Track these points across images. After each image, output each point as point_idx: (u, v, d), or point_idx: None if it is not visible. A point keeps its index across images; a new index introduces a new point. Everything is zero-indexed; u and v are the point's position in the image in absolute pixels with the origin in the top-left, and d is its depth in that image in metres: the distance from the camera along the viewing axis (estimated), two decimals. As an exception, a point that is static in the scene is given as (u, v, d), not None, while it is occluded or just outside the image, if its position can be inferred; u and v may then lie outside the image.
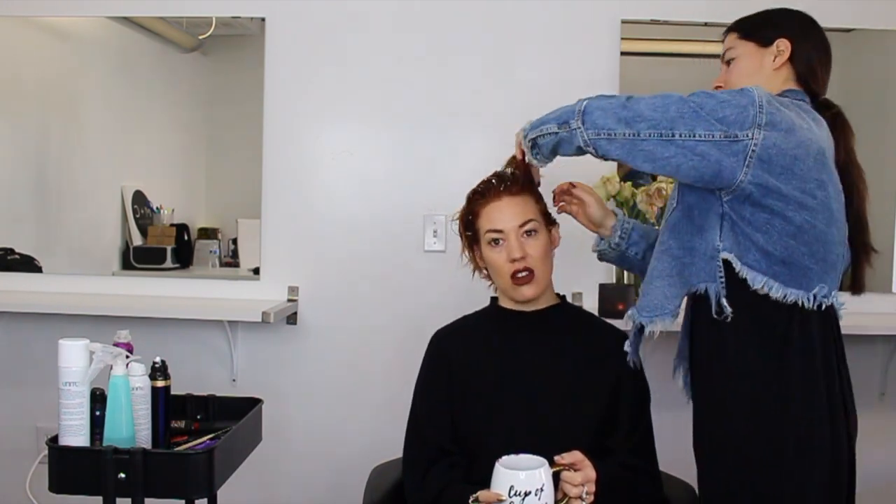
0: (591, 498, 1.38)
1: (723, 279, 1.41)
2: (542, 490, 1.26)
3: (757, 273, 1.40)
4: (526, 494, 1.25)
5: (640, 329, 1.50)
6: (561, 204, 1.72)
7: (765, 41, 1.56)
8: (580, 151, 1.46)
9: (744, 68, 1.56)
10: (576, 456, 1.37)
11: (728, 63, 1.59)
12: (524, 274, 1.56)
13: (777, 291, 1.39)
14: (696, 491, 1.65)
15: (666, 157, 1.37)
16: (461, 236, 1.67)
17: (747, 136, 1.35)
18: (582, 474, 1.36)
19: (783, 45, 1.55)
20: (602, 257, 1.76)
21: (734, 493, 1.42)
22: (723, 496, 1.45)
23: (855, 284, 1.60)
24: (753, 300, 1.40)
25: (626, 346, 1.55)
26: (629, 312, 1.53)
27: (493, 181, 1.62)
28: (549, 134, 1.49)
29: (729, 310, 1.40)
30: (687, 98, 1.38)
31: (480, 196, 1.60)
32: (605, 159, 1.45)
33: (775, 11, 1.62)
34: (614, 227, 1.70)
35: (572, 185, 1.71)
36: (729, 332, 1.42)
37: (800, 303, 1.39)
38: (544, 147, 1.51)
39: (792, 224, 1.38)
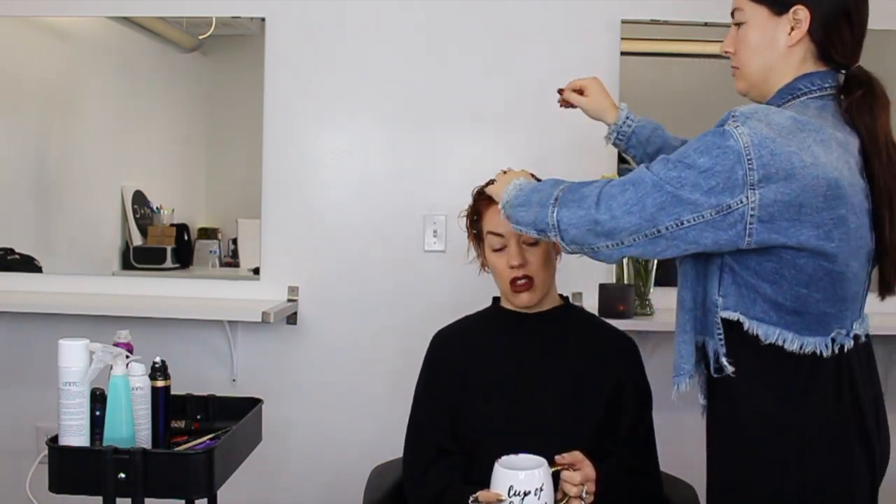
0: (591, 498, 1.38)
1: (721, 335, 1.27)
2: (541, 490, 1.26)
3: (768, 326, 1.25)
4: (525, 494, 1.25)
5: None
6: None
7: (779, 6, 1.31)
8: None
9: (754, 41, 1.33)
10: (576, 456, 1.37)
11: (738, 25, 1.35)
12: (523, 281, 1.56)
13: (793, 343, 1.25)
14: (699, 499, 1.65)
15: (658, 252, 1.23)
16: (468, 233, 1.67)
17: (740, 202, 1.17)
18: (581, 474, 1.36)
19: (801, 14, 1.31)
20: (616, 143, 1.70)
21: None
22: None
23: (883, 288, 1.42)
24: (763, 351, 1.25)
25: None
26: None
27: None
28: (526, 233, 1.36)
29: (730, 369, 1.27)
30: (662, 179, 1.20)
31: (486, 198, 1.60)
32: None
33: None
34: (611, 129, 1.66)
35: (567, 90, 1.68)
36: (740, 386, 1.28)
37: (818, 352, 1.25)
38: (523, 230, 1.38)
39: (803, 273, 1.22)
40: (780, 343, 1.24)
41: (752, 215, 1.17)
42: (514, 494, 1.25)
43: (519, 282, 1.56)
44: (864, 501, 1.28)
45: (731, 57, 1.38)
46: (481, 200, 1.61)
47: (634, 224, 1.21)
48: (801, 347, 1.25)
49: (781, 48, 1.32)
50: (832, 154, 1.22)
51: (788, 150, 1.18)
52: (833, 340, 1.26)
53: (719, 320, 1.27)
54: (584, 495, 1.36)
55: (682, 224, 1.20)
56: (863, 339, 1.34)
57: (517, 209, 1.36)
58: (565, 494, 1.36)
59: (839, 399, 1.26)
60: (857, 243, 1.25)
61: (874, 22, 2.56)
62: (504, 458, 1.31)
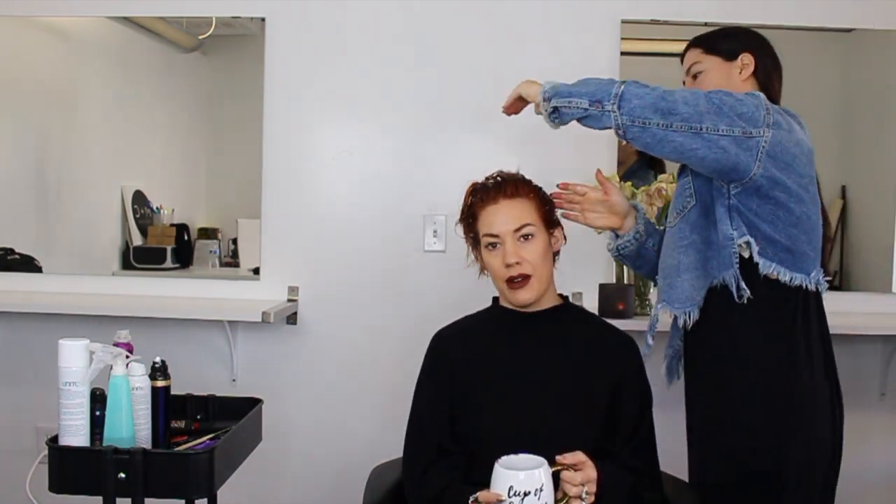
0: (592, 498, 1.38)
1: (738, 264, 1.53)
2: (541, 490, 1.26)
3: (766, 260, 1.53)
4: (525, 494, 1.25)
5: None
6: (566, 208, 1.75)
7: (730, 55, 1.68)
8: (603, 128, 1.52)
9: (713, 80, 1.66)
10: (578, 456, 1.37)
11: (695, 77, 1.70)
12: (519, 279, 1.56)
13: (785, 275, 1.54)
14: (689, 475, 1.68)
15: (692, 148, 1.47)
16: (465, 237, 1.67)
17: (760, 133, 1.48)
18: (582, 474, 1.36)
19: (747, 59, 1.68)
20: (621, 252, 1.78)
21: (734, 474, 1.57)
22: (722, 476, 1.59)
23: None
24: (759, 289, 1.53)
25: (650, 339, 1.69)
26: (659, 305, 1.65)
27: (490, 183, 1.61)
28: (577, 108, 1.52)
29: (748, 291, 1.52)
30: (711, 95, 1.49)
31: (479, 199, 1.60)
32: (628, 142, 1.53)
33: (732, 28, 1.76)
34: (637, 218, 1.75)
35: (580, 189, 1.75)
36: (737, 322, 1.56)
37: (803, 286, 1.55)
38: (566, 116, 1.56)
39: (793, 214, 1.53)
40: (775, 275, 1.54)
41: (763, 146, 1.49)
42: (514, 494, 1.25)
43: (515, 280, 1.56)
44: (829, 428, 1.57)
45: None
46: (476, 203, 1.61)
47: (687, 113, 1.46)
48: (791, 280, 1.55)
49: (736, 82, 1.66)
50: (807, 134, 1.60)
51: (788, 118, 1.56)
52: (813, 280, 1.57)
53: (737, 250, 1.53)
54: (583, 496, 1.36)
55: (718, 130, 1.47)
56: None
57: (571, 86, 1.54)
58: (565, 494, 1.35)
59: (815, 332, 1.59)
60: (817, 206, 1.59)
61: (874, 22, 2.57)
62: (504, 458, 1.31)
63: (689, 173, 1.63)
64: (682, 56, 1.75)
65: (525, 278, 1.55)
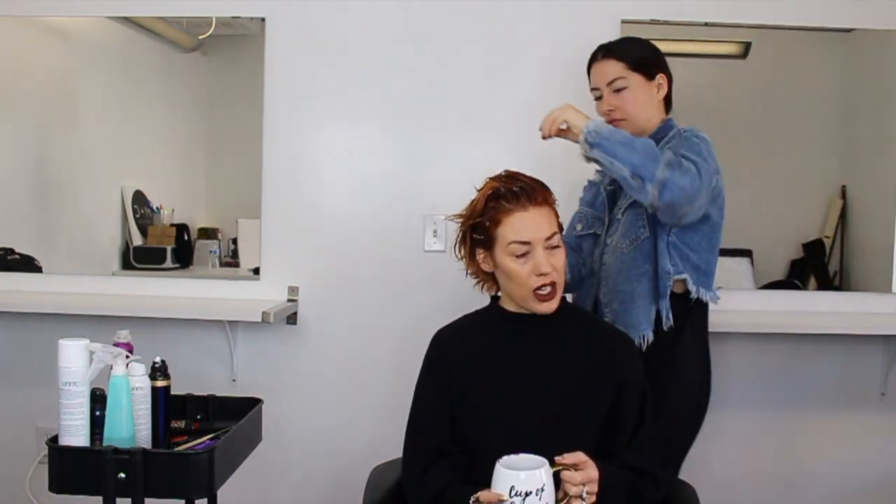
0: (593, 498, 1.38)
1: (669, 295, 1.78)
2: (542, 490, 1.26)
3: (692, 283, 1.81)
4: (527, 494, 1.25)
5: None
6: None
7: (650, 75, 1.86)
8: (632, 192, 1.70)
9: (638, 99, 1.84)
10: (578, 457, 1.37)
11: (618, 91, 1.85)
12: (549, 289, 1.54)
13: (704, 295, 1.82)
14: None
15: (703, 205, 1.73)
16: (465, 237, 1.63)
17: (717, 181, 1.76)
18: (582, 474, 1.36)
19: (662, 80, 1.86)
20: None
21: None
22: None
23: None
24: (686, 305, 1.82)
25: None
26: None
27: (516, 189, 1.55)
28: (618, 172, 1.66)
29: (671, 322, 1.79)
30: (703, 171, 1.67)
31: (505, 203, 1.54)
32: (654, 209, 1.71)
33: (647, 45, 1.90)
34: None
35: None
36: (676, 337, 1.82)
37: (707, 300, 1.85)
38: (600, 163, 1.70)
39: (713, 242, 1.82)
40: (697, 295, 1.81)
41: (717, 192, 1.78)
42: (516, 495, 1.25)
43: (544, 289, 1.54)
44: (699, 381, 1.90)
45: (615, 112, 1.86)
46: (499, 209, 1.56)
47: (704, 199, 1.70)
48: (706, 297, 1.83)
49: (655, 102, 1.87)
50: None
51: (709, 143, 1.78)
52: (714, 293, 1.86)
53: (671, 284, 1.78)
54: (584, 495, 1.36)
55: (711, 184, 1.71)
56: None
57: (617, 146, 1.67)
58: (566, 494, 1.35)
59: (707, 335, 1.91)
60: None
61: (874, 22, 2.57)
62: (505, 458, 1.31)
63: (642, 206, 1.74)
64: (592, 62, 1.90)
65: (553, 290, 1.55)
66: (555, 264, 1.54)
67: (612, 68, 1.85)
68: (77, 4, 2.54)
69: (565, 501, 1.35)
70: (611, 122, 1.85)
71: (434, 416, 1.60)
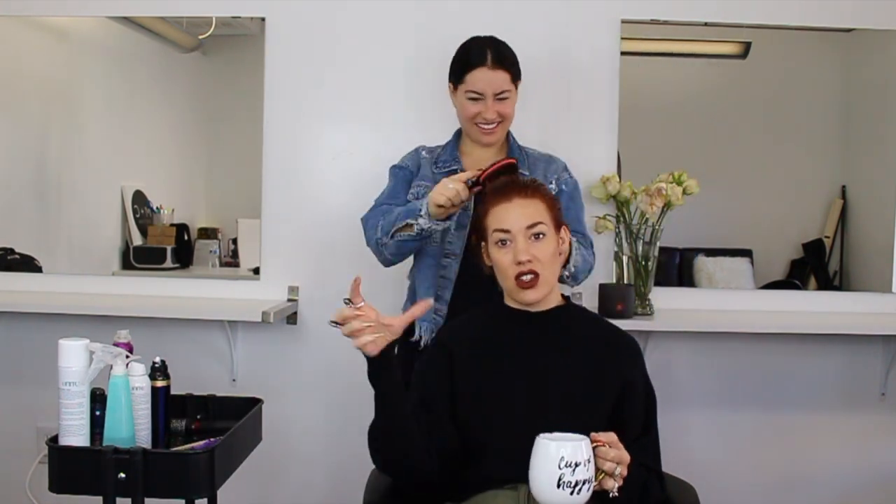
0: (620, 481, 1.38)
1: None
2: (589, 462, 1.28)
3: None
4: (576, 465, 1.27)
5: None
6: None
7: (517, 82, 1.96)
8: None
9: (513, 104, 1.95)
10: (611, 436, 1.37)
11: (502, 100, 1.91)
12: (529, 277, 1.55)
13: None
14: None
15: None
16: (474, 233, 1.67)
17: None
18: (616, 452, 1.36)
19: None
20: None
21: None
22: None
23: None
24: None
25: None
26: None
27: (506, 182, 1.61)
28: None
29: None
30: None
31: (493, 195, 1.59)
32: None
33: (512, 53, 1.96)
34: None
35: None
36: None
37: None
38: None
39: None
40: None
41: None
42: (566, 465, 1.26)
43: (524, 277, 1.54)
44: None
45: (500, 120, 1.93)
46: (487, 202, 1.60)
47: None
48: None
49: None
50: None
51: None
52: None
53: None
54: (616, 474, 1.36)
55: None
56: None
57: (581, 274, 1.92)
58: (600, 470, 1.35)
59: None
60: None
61: (874, 22, 2.56)
62: (543, 434, 1.32)
63: None
64: (476, 64, 1.90)
65: (534, 277, 1.55)
66: (536, 254, 1.54)
67: (503, 80, 1.90)
68: (77, 4, 2.53)
69: (601, 477, 1.35)
70: (491, 125, 1.92)
71: (424, 403, 1.57)
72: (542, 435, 1.31)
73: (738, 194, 2.59)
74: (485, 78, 1.90)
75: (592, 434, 1.35)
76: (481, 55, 1.91)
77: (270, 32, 2.48)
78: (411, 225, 1.84)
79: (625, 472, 1.37)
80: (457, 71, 1.96)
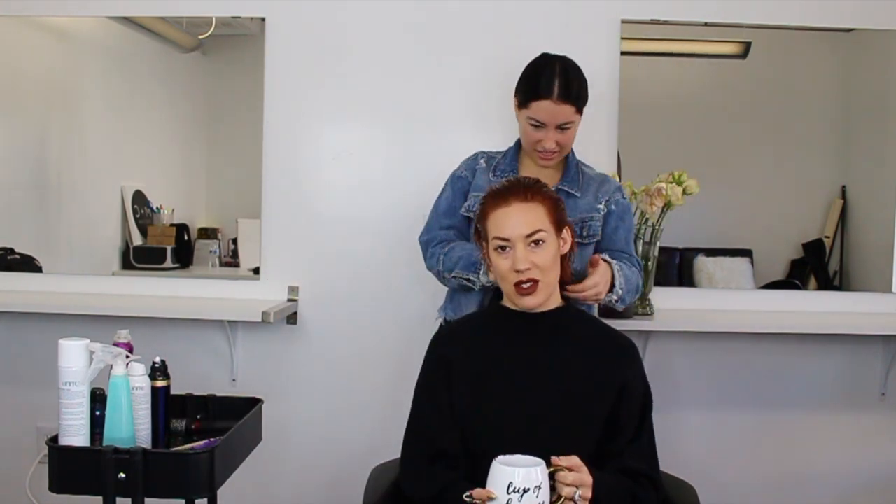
0: (586, 502, 1.38)
1: None
2: (539, 488, 1.26)
3: None
4: (525, 491, 1.25)
5: None
6: None
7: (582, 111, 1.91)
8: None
9: (574, 133, 1.92)
10: (573, 460, 1.37)
11: (564, 130, 1.88)
12: (528, 285, 1.54)
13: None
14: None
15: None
16: (476, 234, 1.66)
17: None
18: (575, 475, 1.36)
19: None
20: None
21: None
22: None
23: None
24: None
25: None
26: None
27: (506, 183, 1.60)
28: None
29: None
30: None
31: (491, 197, 1.58)
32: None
33: (583, 84, 1.91)
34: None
35: None
36: None
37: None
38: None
39: None
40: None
41: None
42: (514, 491, 1.25)
43: (524, 285, 1.54)
44: None
45: (559, 149, 1.90)
46: (487, 201, 1.59)
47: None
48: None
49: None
50: None
51: None
52: None
53: None
54: (576, 497, 1.36)
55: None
56: None
57: (630, 295, 1.86)
58: (560, 496, 1.36)
59: None
60: None
61: (874, 22, 2.56)
62: (501, 457, 1.31)
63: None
64: (543, 96, 1.85)
65: (533, 284, 1.54)
66: (536, 260, 1.53)
67: (567, 112, 1.86)
68: (77, 4, 2.53)
69: (559, 502, 1.35)
70: (548, 153, 1.90)
71: (434, 416, 1.59)
72: (498, 458, 1.30)
73: (738, 194, 2.59)
74: (549, 110, 1.85)
75: (553, 458, 1.35)
76: (549, 87, 1.85)
77: (270, 32, 2.49)
78: (472, 280, 1.84)
79: (588, 495, 1.37)
80: (522, 93, 1.92)
